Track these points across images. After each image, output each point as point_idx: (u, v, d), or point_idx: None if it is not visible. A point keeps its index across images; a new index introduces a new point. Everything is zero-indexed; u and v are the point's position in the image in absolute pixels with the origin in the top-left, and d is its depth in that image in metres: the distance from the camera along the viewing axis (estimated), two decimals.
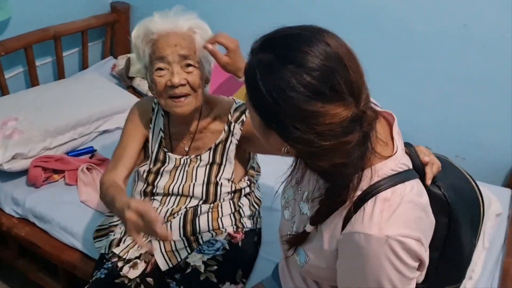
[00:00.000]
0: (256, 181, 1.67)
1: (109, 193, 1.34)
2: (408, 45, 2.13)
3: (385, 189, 0.90)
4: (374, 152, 0.91)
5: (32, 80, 2.43)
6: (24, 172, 1.92)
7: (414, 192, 0.93)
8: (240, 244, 1.52)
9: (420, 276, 1.06)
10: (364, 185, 0.91)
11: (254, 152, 1.62)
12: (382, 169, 0.92)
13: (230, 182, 1.54)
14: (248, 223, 1.58)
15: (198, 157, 1.53)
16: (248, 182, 1.60)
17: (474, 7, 1.95)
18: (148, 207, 1.07)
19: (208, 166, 1.53)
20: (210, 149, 1.52)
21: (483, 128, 2.10)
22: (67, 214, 1.78)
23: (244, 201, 1.59)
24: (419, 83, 2.13)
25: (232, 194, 1.55)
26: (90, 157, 2.06)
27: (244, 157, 1.60)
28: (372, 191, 0.90)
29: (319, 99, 0.80)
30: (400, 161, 0.95)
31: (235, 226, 1.55)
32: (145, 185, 1.55)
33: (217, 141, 1.52)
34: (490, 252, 1.62)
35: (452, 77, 2.09)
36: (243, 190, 1.57)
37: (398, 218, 0.88)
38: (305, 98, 0.79)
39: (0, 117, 1.99)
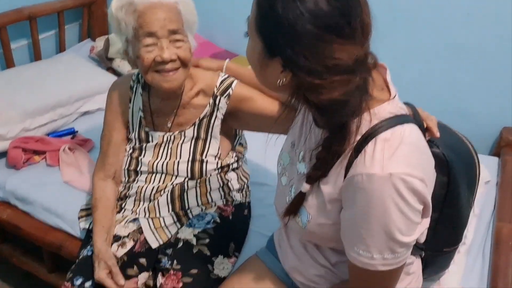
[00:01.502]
0: (243, 156, 1.60)
1: (93, 214, 1.42)
2: (388, 16, 2.06)
3: (385, 130, 0.86)
4: (372, 97, 0.87)
5: (8, 63, 2.29)
6: (3, 154, 1.81)
7: (414, 135, 0.89)
8: (230, 217, 1.45)
9: (421, 235, 1.02)
10: (363, 129, 0.88)
11: (239, 128, 1.54)
12: (380, 112, 0.88)
13: (217, 158, 1.46)
14: (237, 196, 1.51)
15: (182, 133, 1.44)
16: (236, 158, 1.52)
17: None
18: (108, 283, 1.26)
19: (192, 142, 1.45)
20: (194, 124, 1.44)
21: (469, 97, 2.06)
22: (50, 195, 1.67)
23: (232, 175, 1.51)
24: (403, 55, 2.08)
25: (219, 170, 1.47)
26: (72, 138, 1.95)
27: (230, 133, 1.52)
28: (371, 134, 0.86)
29: (335, 32, 0.78)
30: (398, 105, 0.91)
31: (224, 200, 1.47)
32: (129, 162, 1.47)
33: (201, 116, 1.43)
34: (481, 218, 1.60)
35: (437, 47, 2.04)
36: (230, 166, 1.50)
37: (400, 157, 0.84)
38: (323, 28, 0.78)
39: None
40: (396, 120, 0.88)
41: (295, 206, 1.01)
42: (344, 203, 0.91)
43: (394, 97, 0.92)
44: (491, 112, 2.05)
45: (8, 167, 1.79)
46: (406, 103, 1.01)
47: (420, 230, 0.90)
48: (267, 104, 1.41)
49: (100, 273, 1.26)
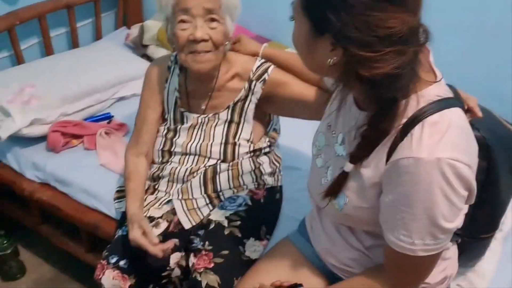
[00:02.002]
0: (276, 140, 1.58)
1: (126, 186, 1.43)
2: None
3: (432, 114, 0.83)
4: (419, 78, 0.83)
5: (47, 51, 2.33)
6: (43, 138, 1.84)
7: (461, 119, 0.86)
8: (262, 200, 1.44)
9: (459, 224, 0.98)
10: (409, 111, 0.84)
11: (273, 113, 1.52)
12: (428, 94, 0.85)
13: (249, 142, 1.45)
14: (269, 180, 1.49)
15: (216, 116, 1.44)
16: (269, 143, 1.51)
17: None
18: (142, 242, 1.24)
19: (226, 125, 1.44)
20: (228, 107, 1.43)
21: (507, 82, 1.98)
22: (87, 177, 1.71)
23: (264, 159, 1.50)
24: (442, 35, 1.99)
25: (251, 153, 1.46)
26: (108, 122, 1.98)
27: (264, 118, 1.51)
28: (419, 116, 0.83)
29: (387, 1, 0.75)
30: (444, 88, 0.88)
31: (256, 183, 1.46)
32: (164, 143, 1.47)
33: (236, 99, 1.42)
34: None
35: (476, 29, 1.94)
36: (262, 150, 1.48)
37: (449, 141, 0.81)
38: None
39: (17, 84, 1.91)
40: (444, 104, 0.85)
41: (337, 187, 0.98)
42: (385, 187, 0.88)
43: (440, 79, 0.89)
44: None
45: (48, 150, 1.83)
46: (447, 85, 0.97)
47: (462, 216, 0.88)
48: (302, 90, 1.39)
49: (134, 233, 1.25)
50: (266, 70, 1.41)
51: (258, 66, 1.41)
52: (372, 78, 0.78)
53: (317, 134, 1.13)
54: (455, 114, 0.86)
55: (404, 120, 0.85)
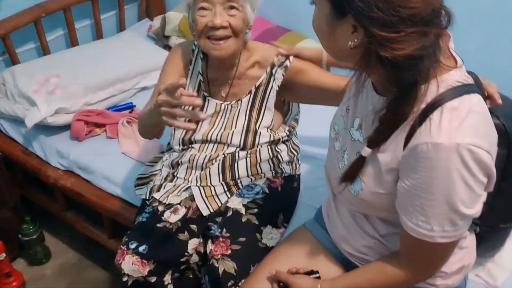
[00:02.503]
0: (294, 128, 1.58)
1: (143, 116, 1.31)
2: None
3: (452, 99, 0.81)
4: (440, 62, 0.82)
5: (72, 42, 2.36)
6: (67, 127, 1.88)
7: (481, 105, 0.84)
8: (279, 189, 1.44)
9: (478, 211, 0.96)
10: (429, 97, 0.82)
11: (293, 101, 1.52)
12: (447, 80, 0.83)
13: (269, 130, 1.45)
14: (287, 169, 1.49)
15: (239, 102, 1.44)
16: (288, 132, 1.50)
17: None
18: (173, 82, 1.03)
19: (247, 112, 1.44)
20: (250, 92, 1.43)
21: None
22: (109, 164, 1.73)
23: (282, 147, 1.49)
24: (462, 24, 1.95)
25: (270, 142, 1.46)
26: (130, 112, 2.01)
27: (283, 107, 1.51)
28: (438, 101, 0.81)
29: None
30: (464, 74, 0.86)
31: (274, 171, 1.46)
32: (185, 133, 1.47)
33: (257, 84, 1.42)
34: None
35: (498, 16, 1.89)
36: (281, 139, 1.48)
37: (468, 127, 0.79)
38: None
39: (43, 74, 1.95)
40: (464, 89, 0.83)
41: (353, 171, 0.96)
42: (403, 172, 0.87)
43: (461, 65, 0.87)
44: None
45: (72, 138, 1.87)
46: (467, 72, 0.95)
47: (482, 203, 0.86)
48: (321, 76, 1.39)
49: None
50: (287, 57, 1.41)
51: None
52: (394, 60, 0.77)
53: (336, 117, 1.12)
54: (475, 100, 0.84)
55: (423, 106, 0.84)
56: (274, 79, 1.41)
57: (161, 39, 2.49)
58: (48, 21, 2.22)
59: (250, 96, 1.43)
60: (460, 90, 0.83)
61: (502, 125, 0.97)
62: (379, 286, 1.00)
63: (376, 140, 0.90)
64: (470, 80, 0.88)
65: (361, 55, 0.82)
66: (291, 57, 1.41)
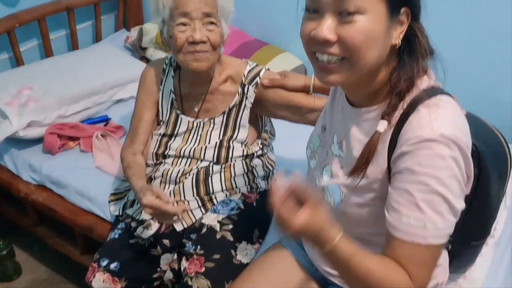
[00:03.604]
0: (269, 144, 1.57)
1: (127, 173, 1.39)
2: None
3: (427, 99, 0.84)
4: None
5: (47, 53, 2.32)
6: (40, 140, 1.84)
7: (453, 103, 0.87)
8: (255, 204, 1.43)
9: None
10: (408, 101, 0.87)
11: (266, 115, 1.51)
12: (423, 84, 0.87)
13: (243, 145, 1.44)
14: (262, 184, 1.48)
15: (212, 120, 1.43)
16: (261, 146, 1.49)
17: None
18: (157, 204, 1.16)
19: (222, 129, 1.44)
20: (224, 112, 1.43)
21: (506, 85, 1.95)
22: (83, 179, 1.69)
23: (257, 161, 1.49)
24: (439, 34, 1.96)
25: (244, 156, 1.45)
26: (105, 125, 1.97)
27: (257, 121, 1.50)
28: (415, 104, 0.85)
29: None
30: (435, 79, 0.90)
31: (249, 186, 1.45)
32: (158, 147, 1.46)
33: (231, 105, 1.42)
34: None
35: (474, 31, 1.92)
36: (255, 153, 1.48)
37: (448, 120, 0.82)
38: None
39: (16, 86, 1.90)
40: (437, 91, 0.87)
41: (369, 151, 0.90)
42: (394, 175, 0.86)
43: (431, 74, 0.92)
44: None
45: (44, 152, 1.82)
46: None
47: (463, 201, 0.86)
48: (291, 93, 1.38)
49: (148, 197, 1.17)
50: (258, 73, 1.41)
51: (250, 70, 1.42)
52: (425, 48, 0.87)
53: (312, 137, 1.12)
54: (447, 98, 0.87)
55: (401, 111, 0.86)
56: (246, 97, 1.41)
57: (137, 50, 2.47)
58: (22, 31, 2.18)
59: (223, 116, 1.43)
60: (433, 91, 0.86)
61: (473, 145, 0.97)
62: (374, 279, 0.87)
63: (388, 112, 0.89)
64: (441, 85, 0.91)
65: (402, 48, 0.87)
66: (261, 73, 1.41)
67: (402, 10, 0.83)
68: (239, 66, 1.43)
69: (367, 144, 0.90)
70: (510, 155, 1.11)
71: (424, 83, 0.88)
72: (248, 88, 1.40)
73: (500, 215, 1.42)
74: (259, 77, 1.40)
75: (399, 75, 0.88)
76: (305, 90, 1.39)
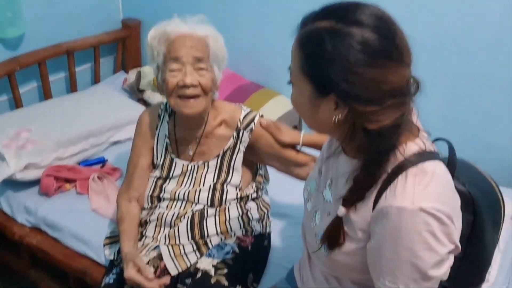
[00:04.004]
0: (263, 187, 1.59)
1: (119, 227, 1.43)
2: (413, 43, 2.03)
3: (416, 164, 0.84)
4: (407, 128, 0.87)
5: (46, 95, 2.36)
6: (36, 182, 1.83)
7: (443, 172, 0.87)
8: (249, 247, 1.43)
9: (444, 276, 0.97)
10: (397, 160, 0.86)
11: (256, 161, 1.54)
12: (411, 146, 0.87)
13: (237, 189, 1.46)
14: (257, 227, 1.48)
15: (206, 164, 1.45)
16: (255, 189, 1.51)
17: (476, 8, 1.84)
18: (138, 279, 1.23)
19: (216, 172, 1.45)
20: (218, 156, 1.45)
21: (496, 129, 1.99)
22: (78, 222, 1.68)
23: (252, 204, 1.50)
24: (427, 83, 2.03)
25: (239, 199, 1.46)
26: (102, 167, 1.98)
27: (252, 164, 1.52)
28: (403, 166, 0.84)
29: (386, 56, 0.79)
30: (427, 141, 0.90)
31: (244, 229, 1.45)
32: (153, 189, 1.48)
33: (225, 148, 1.44)
34: (505, 254, 1.51)
35: (459, 77, 1.98)
36: (250, 196, 1.49)
37: (431, 192, 0.82)
38: (374, 55, 0.78)
39: (14, 128, 1.92)
40: (427, 156, 0.87)
41: (333, 232, 0.95)
42: (372, 233, 0.88)
43: (425, 134, 0.92)
44: None
45: (40, 194, 1.82)
46: (442, 139, 1.01)
47: (448, 265, 0.86)
48: (283, 147, 1.43)
49: (130, 272, 1.25)
50: (253, 119, 1.44)
51: (245, 115, 1.44)
52: (377, 129, 0.82)
53: (309, 180, 1.14)
54: (438, 167, 0.87)
55: (389, 170, 0.86)
56: (241, 142, 1.44)
57: (135, 92, 2.50)
58: (22, 73, 2.21)
59: (217, 159, 1.45)
60: (424, 157, 0.86)
61: (467, 192, 0.99)
62: None
63: (351, 200, 0.91)
64: (433, 148, 0.91)
65: (347, 128, 0.86)
66: (255, 120, 1.43)
67: (330, 95, 0.83)
68: (233, 111, 1.46)
69: (330, 224, 0.94)
70: (502, 201, 1.12)
71: (414, 144, 0.88)
72: (243, 133, 1.43)
73: (494, 260, 1.42)
74: (254, 123, 1.43)
75: (365, 149, 0.88)
76: (294, 145, 1.44)
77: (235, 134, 1.44)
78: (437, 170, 0.86)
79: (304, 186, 1.15)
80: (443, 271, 0.85)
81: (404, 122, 0.84)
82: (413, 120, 0.93)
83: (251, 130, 1.42)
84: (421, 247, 0.81)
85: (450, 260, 0.88)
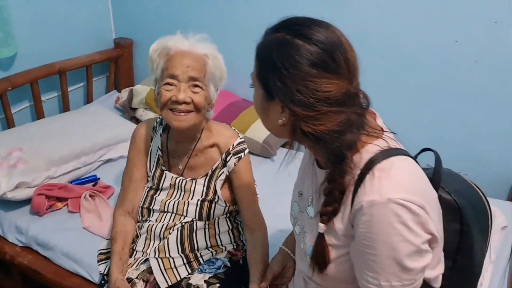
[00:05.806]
0: None
1: (111, 246, 1.44)
2: (400, 64, 2.05)
3: (380, 161, 0.88)
4: (369, 135, 0.92)
5: (38, 115, 2.36)
6: (28, 201, 1.81)
7: (410, 163, 0.90)
8: (241, 262, 1.42)
9: (436, 281, 0.97)
10: (361, 163, 0.90)
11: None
12: (375, 147, 0.91)
13: (226, 205, 1.46)
14: None
15: (194, 181, 1.45)
16: None
17: (464, 23, 1.88)
18: None
19: (204, 190, 1.45)
20: (206, 175, 1.45)
21: (482, 142, 2.01)
22: (69, 240, 1.67)
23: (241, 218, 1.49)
24: (415, 102, 2.05)
25: (227, 214, 1.46)
26: (94, 185, 1.97)
27: None
28: (368, 166, 0.88)
29: (321, 67, 0.85)
30: (391, 141, 0.93)
31: (234, 244, 1.45)
32: (144, 200, 1.48)
33: (214, 167, 1.45)
34: (497, 265, 1.51)
35: (447, 93, 2.01)
36: (238, 211, 1.49)
37: (399, 183, 0.85)
38: (310, 65, 0.85)
39: (5, 148, 1.91)
40: (391, 152, 0.90)
41: (320, 251, 0.96)
42: (354, 233, 0.90)
43: (387, 134, 0.95)
44: (505, 156, 1.98)
45: (32, 213, 1.80)
46: (428, 149, 1.05)
47: (428, 258, 0.87)
48: (244, 197, 1.44)
49: None
50: (243, 150, 1.44)
51: (239, 143, 1.45)
52: (315, 133, 0.87)
53: (292, 204, 1.16)
54: (404, 160, 0.90)
55: (358, 172, 0.89)
56: (225, 165, 1.44)
57: (127, 111, 2.51)
58: (14, 93, 2.21)
59: (205, 178, 1.45)
60: (388, 153, 0.89)
61: (453, 201, 1.00)
62: None
63: (327, 213, 0.93)
64: (399, 146, 0.94)
65: (289, 130, 0.92)
66: (245, 152, 1.44)
67: (276, 99, 0.89)
68: (229, 138, 1.45)
69: (315, 245, 0.97)
70: (490, 209, 1.13)
71: (377, 145, 0.91)
72: (230, 158, 1.43)
73: (485, 271, 1.42)
74: (244, 154, 1.44)
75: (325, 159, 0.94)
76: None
77: (224, 156, 1.44)
78: (403, 163, 0.89)
79: (290, 211, 1.18)
80: (423, 264, 0.86)
81: (354, 129, 0.89)
82: (378, 122, 0.97)
83: (239, 158, 1.43)
84: (396, 239, 0.83)
85: (436, 254, 0.90)
